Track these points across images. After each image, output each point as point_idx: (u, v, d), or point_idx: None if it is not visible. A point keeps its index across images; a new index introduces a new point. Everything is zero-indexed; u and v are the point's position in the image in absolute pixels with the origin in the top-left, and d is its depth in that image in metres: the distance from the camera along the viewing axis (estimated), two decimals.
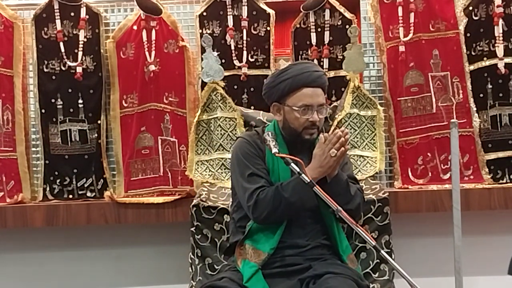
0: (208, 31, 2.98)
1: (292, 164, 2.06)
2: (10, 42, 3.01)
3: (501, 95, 2.90)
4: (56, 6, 3.00)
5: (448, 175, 2.85)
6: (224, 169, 2.83)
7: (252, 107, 2.92)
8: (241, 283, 2.09)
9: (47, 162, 3.01)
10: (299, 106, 2.18)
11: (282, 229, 2.17)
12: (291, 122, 2.22)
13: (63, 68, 3.01)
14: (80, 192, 3.01)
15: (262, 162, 2.24)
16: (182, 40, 3.01)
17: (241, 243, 2.23)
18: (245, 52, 2.97)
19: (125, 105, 3.01)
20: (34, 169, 3.06)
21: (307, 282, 2.07)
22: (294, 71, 2.21)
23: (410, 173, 2.93)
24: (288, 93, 2.21)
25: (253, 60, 2.98)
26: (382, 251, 1.91)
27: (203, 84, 2.87)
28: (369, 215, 2.54)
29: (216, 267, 2.51)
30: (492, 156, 2.90)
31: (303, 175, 2.03)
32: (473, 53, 2.93)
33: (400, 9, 2.92)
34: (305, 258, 2.16)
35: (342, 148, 2.10)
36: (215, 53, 2.85)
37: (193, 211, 2.58)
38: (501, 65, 2.88)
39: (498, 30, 2.88)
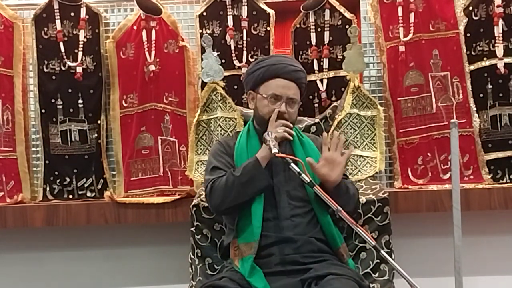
0: (208, 31, 2.98)
1: (292, 164, 2.06)
2: (10, 42, 3.01)
3: (501, 95, 2.90)
4: (56, 6, 3.00)
5: (448, 175, 2.85)
6: None
7: None
8: (241, 283, 2.10)
9: (47, 162, 3.01)
10: (269, 94, 2.29)
11: (261, 214, 2.19)
12: (260, 110, 2.32)
13: (63, 68, 3.01)
14: (80, 192, 3.01)
15: (228, 158, 2.33)
16: (182, 40, 3.01)
17: (234, 244, 2.25)
18: (245, 52, 2.97)
19: (125, 105, 3.01)
20: (34, 169, 3.06)
21: (308, 283, 2.07)
22: (271, 61, 2.32)
23: (410, 173, 2.93)
24: (261, 81, 2.32)
25: (253, 60, 2.98)
26: (382, 251, 1.91)
27: (203, 84, 2.87)
28: (369, 215, 2.54)
29: (216, 267, 2.50)
30: (492, 156, 2.90)
31: (303, 175, 2.04)
32: (473, 53, 2.92)
33: (400, 9, 2.92)
34: (303, 255, 2.16)
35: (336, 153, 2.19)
36: (215, 53, 2.85)
37: (193, 211, 2.58)
38: (500, 65, 2.87)
39: (498, 30, 2.88)
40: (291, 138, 2.25)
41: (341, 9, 2.96)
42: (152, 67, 2.95)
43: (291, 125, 2.27)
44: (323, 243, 2.23)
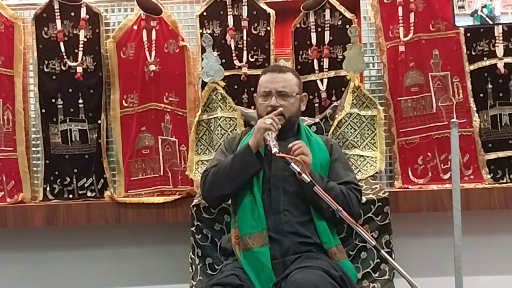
0: (208, 31, 2.98)
1: (292, 164, 2.07)
2: (10, 42, 3.01)
3: (501, 95, 2.90)
4: (56, 6, 3.00)
5: (448, 175, 2.86)
6: None
7: (252, 107, 2.91)
8: (247, 281, 2.10)
9: (47, 162, 3.01)
10: (260, 92, 2.40)
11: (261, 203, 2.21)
12: (258, 109, 2.43)
13: (64, 68, 3.01)
14: (80, 192, 3.01)
15: (230, 154, 2.37)
16: (182, 40, 3.01)
17: (235, 234, 2.26)
18: (245, 52, 2.97)
19: (125, 105, 3.01)
20: (35, 169, 3.06)
21: (280, 285, 2.06)
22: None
23: (410, 173, 2.93)
24: (258, 83, 2.44)
25: (253, 60, 2.98)
26: (382, 251, 1.92)
27: (203, 84, 2.87)
28: (369, 214, 2.54)
29: (217, 267, 2.50)
30: (492, 156, 2.90)
31: (303, 175, 2.04)
32: (473, 53, 2.92)
33: (400, 9, 2.92)
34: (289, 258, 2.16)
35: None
36: (215, 53, 2.85)
37: (193, 211, 2.59)
38: (500, 65, 2.88)
39: (498, 30, 2.88)
40: (273, 129, 2.22)
41: (341, 9, 2.96)
42: (152, 67, 2.95)
43: (277, 120, 2.27)
44: (311, 243, 2.22)
